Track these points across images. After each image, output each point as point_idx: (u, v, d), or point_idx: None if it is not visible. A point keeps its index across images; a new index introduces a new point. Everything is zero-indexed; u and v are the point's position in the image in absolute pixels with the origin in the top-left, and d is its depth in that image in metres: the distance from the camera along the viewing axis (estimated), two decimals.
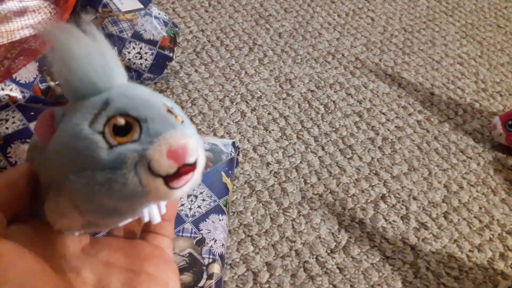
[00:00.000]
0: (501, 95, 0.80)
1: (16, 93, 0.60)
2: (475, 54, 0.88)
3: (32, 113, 0.53)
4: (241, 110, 0.72)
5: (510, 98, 0.80)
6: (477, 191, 0.65)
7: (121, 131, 0.20)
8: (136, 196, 0.20)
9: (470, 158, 0.69)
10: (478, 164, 0.69)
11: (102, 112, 0.20)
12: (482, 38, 0.92)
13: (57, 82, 0.63)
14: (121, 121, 0.20)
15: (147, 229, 0.28)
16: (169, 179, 0.19)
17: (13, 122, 0.52)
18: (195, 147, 0.20)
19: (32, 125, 0.51)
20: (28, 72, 0.61)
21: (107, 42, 0.22)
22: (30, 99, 0.61)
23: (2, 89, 0.59)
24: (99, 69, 0.21)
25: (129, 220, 0.25)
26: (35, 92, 0.61)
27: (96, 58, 0.21)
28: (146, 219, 0.24)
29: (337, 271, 0.55)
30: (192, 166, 0.20)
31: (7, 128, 0.51)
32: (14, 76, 0.60)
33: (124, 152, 0.19)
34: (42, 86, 0.62)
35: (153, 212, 0.25)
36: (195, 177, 0.21)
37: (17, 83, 0.60)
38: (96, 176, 0.19)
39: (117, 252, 0.25)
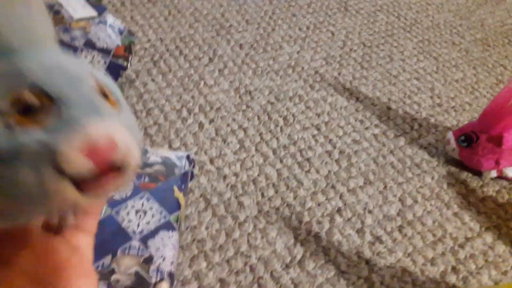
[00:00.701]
0: (455, 110, 0.82)
1: None
2: (431, 70, 0.91)
3: None
4: (199, 121, 0.71)
5: (464, 113, 0.82)
6: (431, 205, 0.66)
7: (30, 112, 0.15)
8: (32, 200, 0.15)
9: (425, 172, 0.71)
10: (433, 178, 0.70)
11: (7, 81, 0.15)
12: (438, 54, 0.95)
13: None
14: (31, 98, 0.15)
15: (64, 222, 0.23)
16: (83, 183, 0.15)
17: None
18: (124, 143, 0.15)
19: None
20: None
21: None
22: None
23: None
24: (17, 23, 0.16)
25: (29, 221, 0.20)
26: None
27: (18, 8, 0.16)
28: (54, 221, 0.21)
29: (292, 286, 0.54)
30: (117, 169, 0.15)
31: None
32: None
33: (23, 140, 0.14)
34: None
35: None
36: (121, 182, 0.16)
37: None
38: None
39: (24, 257, 0.21)
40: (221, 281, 0.53)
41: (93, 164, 0.15)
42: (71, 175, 0.15)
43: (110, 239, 0.44)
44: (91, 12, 0.65)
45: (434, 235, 0.62)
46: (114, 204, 0.47)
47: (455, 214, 0.65)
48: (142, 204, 0.49)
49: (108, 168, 0.15)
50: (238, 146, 0.69)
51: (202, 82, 0.77)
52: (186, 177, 0.54)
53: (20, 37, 0.16)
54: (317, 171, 0.68)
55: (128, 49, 0.67)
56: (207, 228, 0.58)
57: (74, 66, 0.17)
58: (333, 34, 0.96)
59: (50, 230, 0.23)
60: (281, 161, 0.68)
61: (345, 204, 0.64)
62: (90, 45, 0.63)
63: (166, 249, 0.46)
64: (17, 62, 0.16)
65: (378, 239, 0.61)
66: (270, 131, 0.72)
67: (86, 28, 0.63)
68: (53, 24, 0.18)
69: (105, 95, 0.17)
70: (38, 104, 0.15)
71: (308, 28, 0.96)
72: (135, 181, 0.50)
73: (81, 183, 0.15)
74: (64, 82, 0.16)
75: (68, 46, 0.62)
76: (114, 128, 0.15)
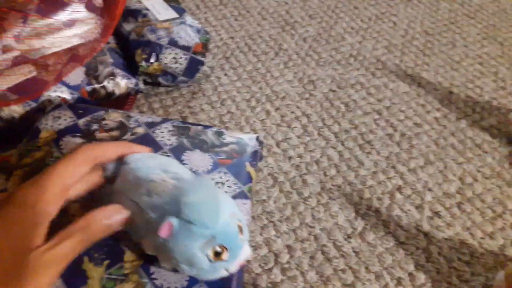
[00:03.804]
0: None
1: (66, 95, 0.68)
2: (496, 54, 0.91)
3: (81, 111, 0.61)
4: (266, 110, 0.78)
5: None
6: (491, 183, 0.68)
7: (219, 254, 0.36)
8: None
9: (486, 152, 0.72)
10: (494, 158, 0.71)
11: (209, 244, 0.35)
12: (504, 39, 0.95)
13: (101, 85, 0.70)
14: (219, 249, 0.36)
15: None
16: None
17: (65, 119, 0.59)
18: (248, 252, 0.39)
19: (80, 122, 0.59)
20: (76, 76, 0.70)
21: (217, 191, 0.38)
22: (78, 100, 0.69)
23: (55, 91, 0.67)
24: (213, 214, 0.35)
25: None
26: (82, 94, 0.70)
27: (214, 208, 0.36)
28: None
29: (353, 254, 0.59)
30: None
31: (59, 124, 0.59)
32: (64, 79, 0.68)
33: (218, 267, 0.37)
34: (88, 88, 0.70)
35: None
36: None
37: (67, 85, 0.69)
38: (190, 269, 0.38)
39: None
40: (288, 247, 0.59)
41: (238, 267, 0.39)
42: (230, 272, 0.38)
43: None
44: (173, 14, 0.74)
45: (494, 211, 0.64)
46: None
47: None
48: (221, 177, 0.56)
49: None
50: (301, 131, 0.75)
51: (269, 75, 0.84)
52: (256, 155, 0.61)
53: (213, 221, 0.36)
54: (378, 153, 0.72)
55: (205, 46, 0.75)
56: (275, 202, 0.64)
57: (234, 229, 0.37)
58: (395, 23, 0.99)
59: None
60: (342, 144, 0.73)
61: (405, 183, 0.68)
62: (173, 43, 0.73)
63: (241, 214, 0.53)
64: (214, 234, 0.35)
65: (437, 214, 0.64)
66: (332, 117, 0.77)
67: (169, 28, 0.73)
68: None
69: (241, 228, 0.38)
70: (221, 251, 0.36)
71: (370, 19, 1.00)
72: (214, 157, 0.57)
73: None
74: (231, 240, 0.36)
75: (155, 44, 0.72)
76: (246, 255, 0.39)
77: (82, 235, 0.35)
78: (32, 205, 0.33)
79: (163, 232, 0.35)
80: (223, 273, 0.38)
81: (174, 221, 0.35)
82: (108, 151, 0.41)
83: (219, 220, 0.35)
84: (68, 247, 0.34)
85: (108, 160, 0.42)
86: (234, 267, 0.37)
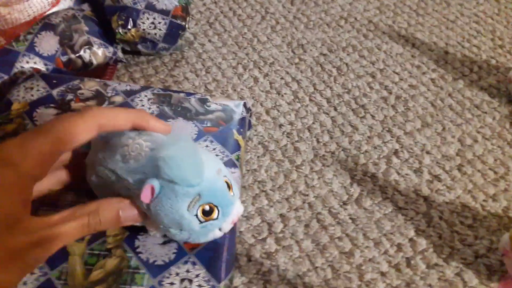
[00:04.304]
0: None
1: (40, 66, 0.64)
2: (492, 12, 0.87)
3: (55, 81, 0.56)
4: (254, 76, 0.74)
5: None
6: (492, 144, 0.65)
7: (208, 212, 0.33)
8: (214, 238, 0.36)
9: (485, 112, 0.69)
10: (494, 118, 0.68)
11: (196, 202, 0.32)
12: None
13: (77, 55, 0.66)
14: (207, 207, 0.33)
15: None
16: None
17: (38, 90, 0.55)
18: (241, 209, 0.36)
19: (54, 92, 0.55)
20: (50, 46, 0.65)
21: (197, 147, 0.34)
22: (53, 71, 0.65)
23: (27, 62, 0.63)
24: (195, 169, 0.32)
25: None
26: (58, 65, 0.65)
27: (195, 162, 0.32)
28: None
29: (350, 221, 0.56)
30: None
31: (32, 95, 0.55)
32: (37, 49, 0.64)
33: (210, 227, 0.34)
34: (64, 58, 0.65)
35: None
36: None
37: (41, 56, 0.64)
38: (182, 234, 0.34)
39: None
40: (282, 216, 0.56)
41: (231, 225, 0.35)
42: (224, 231, 0.36)
43: None
44: None
45: (495, 172, 0.62)
46: None
47: None
48: (207, 146, 0.53)
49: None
50: (292, 97, 0.71)
51: (256, 40, 0.80)
52: (243, 121, 0.57)
53: (196, 178, 0.32)
54: (373, 117, 0.68)
55: (185, 9, 0.70)
56: (266, 171, 0.61)
57: (221, 185, 0.34)
58: None
59: None
60: (335, 109, 0.69)
61: (402, 146, 0.65)
62: (150, 7, 0.68)
63: (228, 171, 0.49)
64: (199, 191, 0.32)
65: (436, 177, 0.61)
66: (324, 82, 0.73)
67: None
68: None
69: (229, 186, 0.35)
70: (210, 209, 0.33)
71: None
72: (199, 125, 0.54)
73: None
74: (220, 197, 0.34)
75: (131, 9, 0.67)
76: (238, 211, 0.36)
77: (87, 220, 0.31)
78: (15, 164, 0.28)
79: (144, 196, 0.32)
80: (217, 234, 0.35)
81: (155, 183, 0.32)
82: (118, 120, 0.34)
83: (203, 175, 0.32)
84: (70, 228, 0.29)
85: (116, 129, 0.35)
86: (227, 226, 0.35)
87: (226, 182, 0.35)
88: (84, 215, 0.31)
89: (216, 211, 0.34)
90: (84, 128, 0.31)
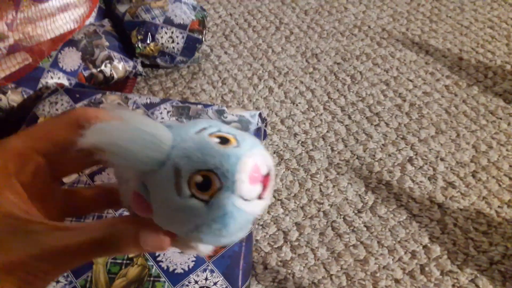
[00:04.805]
0: None
1: (64, 81, 0.66)
2: (507, 17, 0.87)
3: (78, 95, 0.59)
4: (269, 86, 0.75)
5: None
6: (507, 150, 0.65)
7: (202, 184, 0.21)
8: (249, 223, 0.21)
9: (500, 118, 0.69)
10: (509, 124, 0.68)
11: (180, 180, 0.21)
12: None
13: (99, 69, 0.69)
14: (199, 178, 0.21)
15: None
16: (262, 194, 0.21)
17: (62, 104, 0.58)
18: (262, 159, 0.20)
19: (78, 106, 0.57)
20: (72, 61, 0.68)
21: (139, 114, 0.21)
22: (75, 85, 0.68)
23: (51, 77, 0.66)
24: (151, 145, 0.22)
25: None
26: (80, 79, 0.68)
27: (143, 137, 0.21)
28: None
29: (364, 229, 0.57)
30: (267, 176, 0.20)
31: (57, 109, 0.57)
32: (61, 65, 0.67)
33: (221, 204, 0.20)
34: (86, 73, 0.68)
35: None
36: (273, 177, 0.22)
37: (64, 71, 0.67)
38: (205, 231, 0.21)
39: None
40: (297, 224, 0.57)
41: (258, 184, 0.20)
42: (254, 197, 0.20)
43: None
44: None
45: (510, 178, 0.62)
46: None
47: None
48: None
49: (265, 177, 0.20)
50: (306, 106, 0.72)
51: (270, 50, 0.82)
52: (259, 131, 0.59)
53: (159, 151, 0.21)
54: (387, 124, 0.69)
55: (202, 23, 0.73)
56: (281, 179, 0.62)
57: (197, 139, 0.21)
58: None
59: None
60: (349, 117, 0.70)
61: (416, 154, 0.65)
62: (168, 22, 0.71)
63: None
64: (173, 165, 0.20)
65: (450, 184, 0.62)
66: (338, 90, 0.75)
67: (164, 7, 0.71)
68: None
69: (226, 139, 0.21)
70: (206, 178, 0.20)
71: None
72: None
73: (260, 195, 0.21)
74: (205, 156, 0.20)
75: (150, 24, 0.70)
76: (249, 159, 0.20)
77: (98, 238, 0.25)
78: None
79: (139, 209, 0.23)
80: (244, 206, 0.21)
81: (134, 186, 0.23)
82: (100, 114, 0.31)
83: (165, 146, 0.22)
84: (75, 240, 0.24)
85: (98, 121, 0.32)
86: (246, 188, 0.21)
87: (219, 137, 0.23)
88: (96, 230, 0.25)
89: (214, 178, 0.21)
90: (63, 124, 0.28)
